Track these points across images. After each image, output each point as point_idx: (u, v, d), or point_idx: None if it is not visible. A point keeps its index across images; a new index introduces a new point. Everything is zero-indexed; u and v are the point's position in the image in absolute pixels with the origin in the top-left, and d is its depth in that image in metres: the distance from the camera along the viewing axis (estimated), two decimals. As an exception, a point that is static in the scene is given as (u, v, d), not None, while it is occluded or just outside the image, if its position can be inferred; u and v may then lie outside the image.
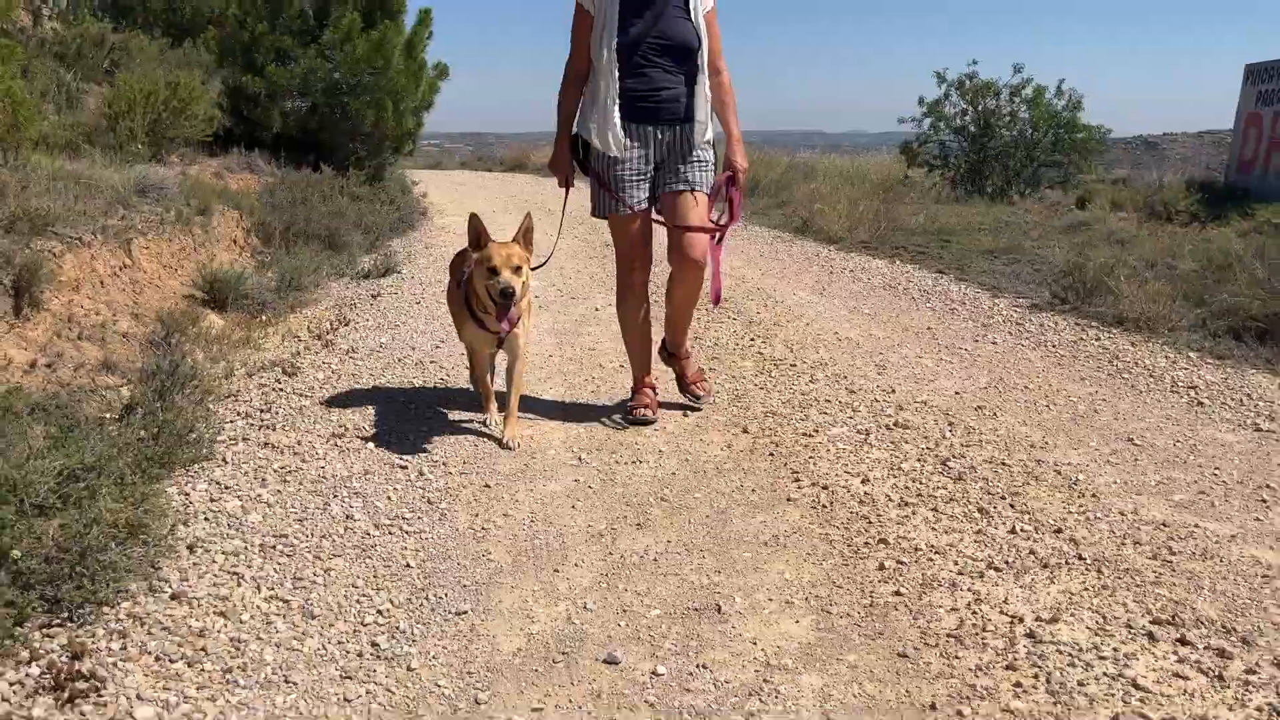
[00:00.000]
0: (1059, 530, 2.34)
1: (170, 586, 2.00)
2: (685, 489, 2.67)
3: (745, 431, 3.16)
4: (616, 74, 3.13)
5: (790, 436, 3.09)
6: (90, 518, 2.00)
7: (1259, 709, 1.62)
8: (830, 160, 15.22)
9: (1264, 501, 2.52)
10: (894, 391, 3.56)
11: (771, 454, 2.94)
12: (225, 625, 1.88)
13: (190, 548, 2.19)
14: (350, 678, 1.75)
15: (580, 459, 2.93)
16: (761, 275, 6.29)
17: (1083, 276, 5.05)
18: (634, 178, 3.24)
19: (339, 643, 1.86)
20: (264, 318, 5.13)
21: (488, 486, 2.69)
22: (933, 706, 1.65)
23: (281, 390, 3.58)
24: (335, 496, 2.56)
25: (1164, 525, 2.37)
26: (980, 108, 12.25)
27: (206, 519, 2.36)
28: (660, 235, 3.23)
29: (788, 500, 2.58)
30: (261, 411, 3.30)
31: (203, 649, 1.80)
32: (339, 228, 7.46)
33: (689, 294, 3.32)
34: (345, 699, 1.69)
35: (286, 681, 1.72)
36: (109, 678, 1.67)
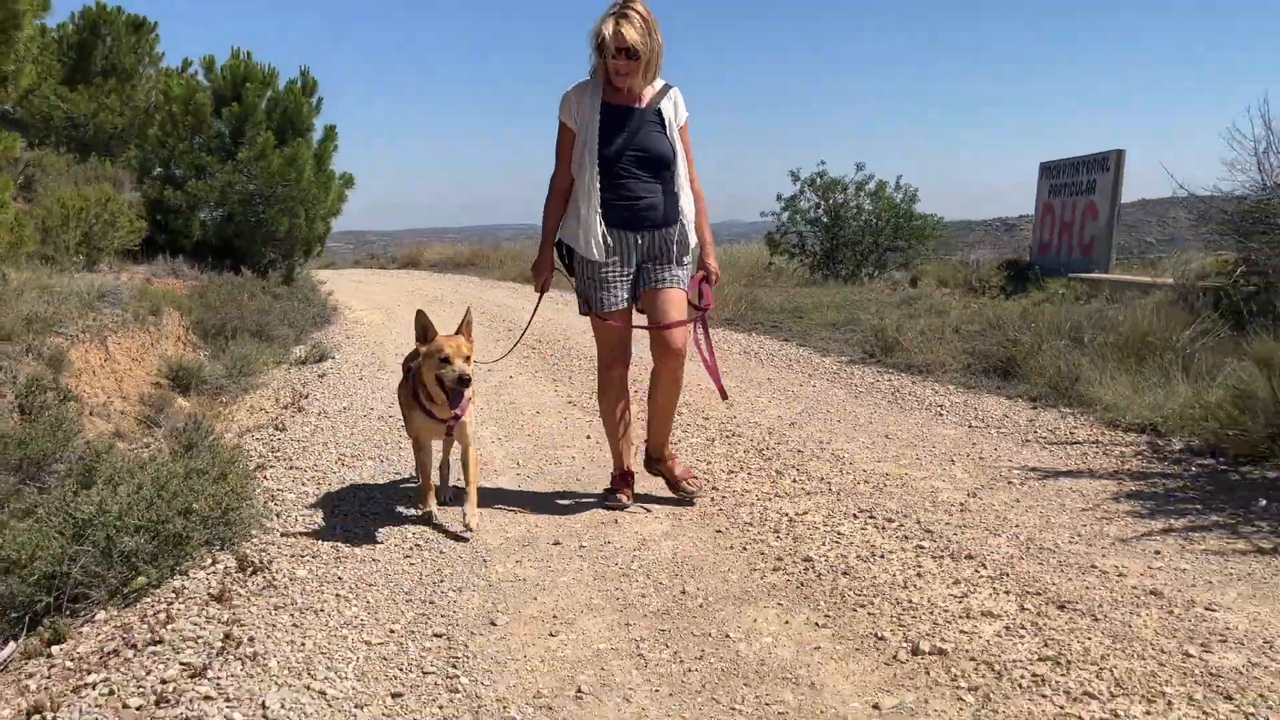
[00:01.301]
0: (821, 479, 3.97)
1: (283, 526, 3.40)
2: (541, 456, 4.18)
3: (634, 446, 4.71)
4: (598, 185, 3.52)
5: (661, 446, 4.66)
6: (225, 491, 3.38)
7: (914, 549, 3.22)
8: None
9: (952, 462, 4.22)
10: (734, 417, 5.20)
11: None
12: (313, 543, 3.28)
13: (278, 515, 3.58)
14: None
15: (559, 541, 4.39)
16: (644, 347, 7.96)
17: (883, 338, 6.90)
18: (615, 280, 3.61)
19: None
20: (223, 399, 6.44)
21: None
22: (731, 548, 3.20)
23: (279, 439, 4.94)
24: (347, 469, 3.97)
25: (888, 475, 4.03)
26: (830, 201, 14.52)
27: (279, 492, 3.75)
28: (640, 337, 3.74)
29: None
30: (273, 451, 4.66)
31: (310, 552, 3.19)
32: (268, 323, 8.79)
33: (671, 390, 3.71)
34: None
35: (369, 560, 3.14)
36: (271, 564, 3.06)
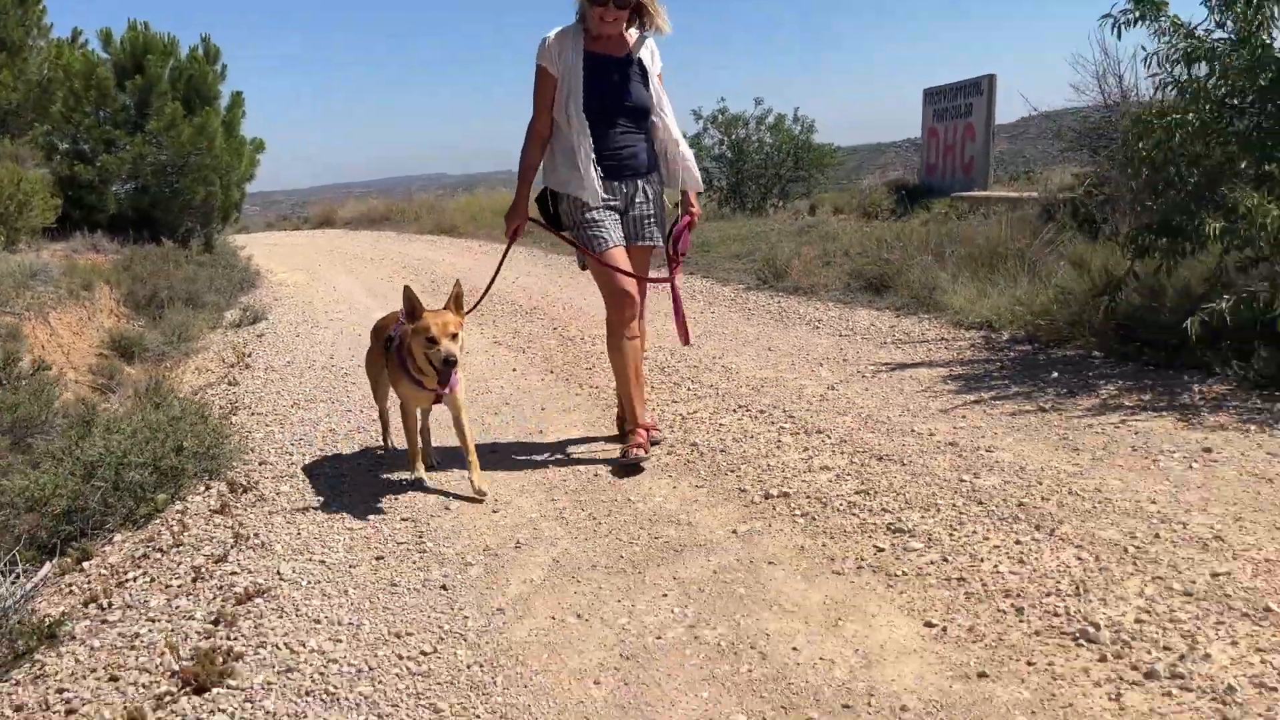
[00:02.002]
0: (711, 386, 4.81)
1: (260, 457, 4.11)
2: (517, 397, 4.96)
3: (552, 372, 5.49)
4: (589, 133, 3.61)
5: (573, 355, 5.45)
6: (208, 431, 4.07)
7: (777, 430, 4.07)
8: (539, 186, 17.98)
9: (820, 365, 5.10)
10: (656, 340, 6.01)
11: (560, 374, 5.29)
12: (289, 467, 4.00)
13: (253, 449, 4.28)
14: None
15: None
16: (560, 290, 8.69)
17: (774, 266, 7.77)
18: (607, 220, 3.71)
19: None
20: (166, 365, 7.01)
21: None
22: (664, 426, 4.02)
23: (234, 392, 5.59)
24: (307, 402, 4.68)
25: (765, 379, 4.89)
26: (733, 137, 15.30)
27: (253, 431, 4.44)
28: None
29: (578, 390, 4.93)
30: (231, 402, 5.31)
31: (288, 474, 3.91)
32: (196, 290, 9.26)
33: (635, 348, 3.78)
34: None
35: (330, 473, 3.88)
36: (258, 484, 3.78)
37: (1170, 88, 4.26)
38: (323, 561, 3.01)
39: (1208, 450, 3.31)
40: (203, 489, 3.79)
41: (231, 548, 3.18)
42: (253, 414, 5.01)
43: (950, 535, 2.83)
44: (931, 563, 2.66)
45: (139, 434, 3.92)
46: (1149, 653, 2.12)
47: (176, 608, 2.77)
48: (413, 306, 3.45)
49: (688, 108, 17.15)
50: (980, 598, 2.45)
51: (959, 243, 7.22)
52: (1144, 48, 4.31)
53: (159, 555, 3.21)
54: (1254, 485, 3.00)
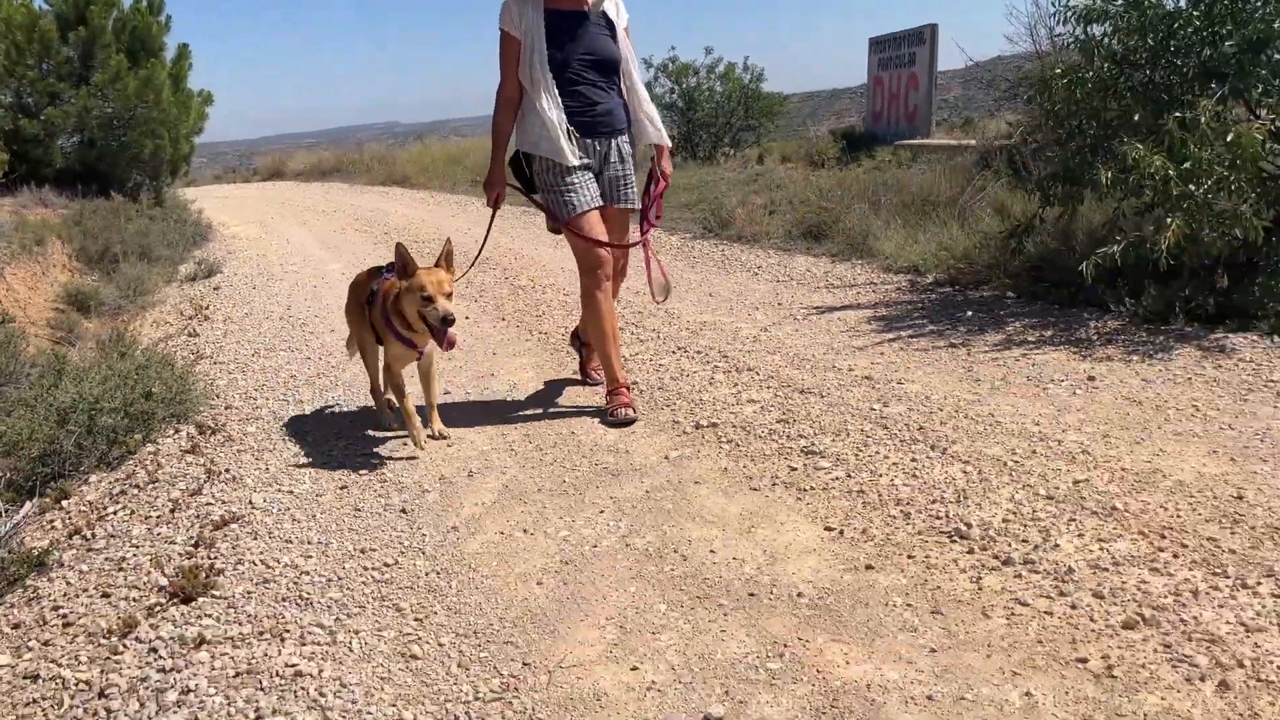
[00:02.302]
0: (653, 330, 5.14)
1: (225, 402, 4.37)
2: (481, 336, 5.25)
3: (503, 319, 5.77)
4: (555, 91, 3.57)
5: (523, 304, 5.74)
6: (175, 378, 4.31)
7: (711, 369, 4.40)
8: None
9: (757, 309, 5.43)
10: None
11: (510, 321, 5.58)
12: (254, 410, 4.26)
13: (218, 395, 4.53)
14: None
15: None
16: (511, 240, 8.92)
17: (719, 215, 8.07)
18: (583, 180, 3.68)
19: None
20: (123, 318, 7.17)
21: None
22: (580, 383, 4.33)
23: (195, 343, 5.80)
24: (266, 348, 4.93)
25: (705, 323, 5.22)
26: (684, 86, 15.46)
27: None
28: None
29: (532, 335, 5.22)
30: (193, 352, 5.53)
31: (253, 416, 4.18)
32: (149, 244, 9.35)
33: (611, 310, 3.84)
34: (332, 421, 4.16)
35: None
36: (225, 426, 4.04)
37: (1073, 45, 4.59)
38: (291, 492, 3.31)
39: (1091, 379, 3.71)
40: (172, 432, 4.04)
41: (205, 482, 3.45)
42: (215, 363, 5.24)
43: (855, 455, 3.19)
44: (836, 478, 3.03)
45: (109, 381, 4.16)
46: (1009, 545, 2.50)
47: (158, 534, 3.06)
48: (405, 263, 3.40)
49: (638, 56, 17.19)
50: (875, 506, 2.82)
51: (894, 191, 7.57)
52: (1053, 4, 4.62)
53: (136, 491, 3.47)
54: (1125, 407, 3.39)
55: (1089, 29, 4.50)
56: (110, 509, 3.36)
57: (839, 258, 6.61)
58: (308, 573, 2.70)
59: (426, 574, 2.66)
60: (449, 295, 3.36)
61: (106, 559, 2.93)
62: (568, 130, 3.62)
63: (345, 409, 4.25)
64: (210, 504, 3.25)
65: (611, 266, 3.81)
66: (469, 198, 13.60)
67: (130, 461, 3.81)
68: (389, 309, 3.51)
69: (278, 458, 3.67)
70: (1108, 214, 4.72)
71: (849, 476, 3.04)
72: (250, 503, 3.23)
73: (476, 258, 4.33)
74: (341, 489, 3.32)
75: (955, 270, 5.61)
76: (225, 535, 2.98)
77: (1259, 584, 2.21)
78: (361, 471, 3.46)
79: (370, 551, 2.80)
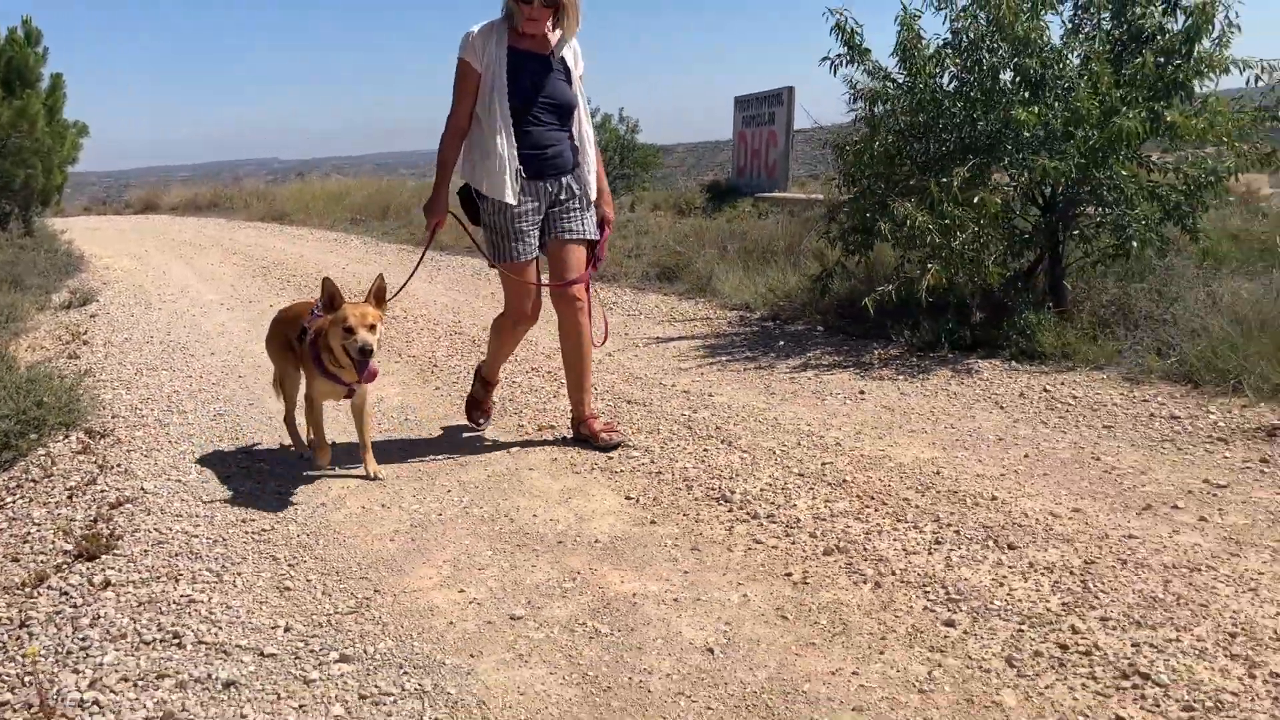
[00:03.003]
0: (512, 356, 5.83)
1: (112, 412, 4.85)
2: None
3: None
4: (512, 131, 3.65)
5: (394, 331, 6.36)
6: (65, 389, 4.78)
7: (559, 384, 5.13)
8: (455, 183, 18.72)
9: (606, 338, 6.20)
10: (460, 323, 6.97)
11: (383, 345, 6.20)
12: (140, 419, 4.76)
13: (103, 406, 5.00)
14: (212, 424, 4.76)
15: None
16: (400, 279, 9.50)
17: (583, 254, 8.87)
18: (528, 228, 3.79)
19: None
20: (-3, 343, 7.45)
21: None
22: (442, 393, 5.00)
23: (76, 365, 6.20)
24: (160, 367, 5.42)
25: (558, 349, 5.95)
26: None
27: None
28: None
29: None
30: (74, 373, 5.94)
31: (139, 423, 4.68)
32: (19, 273, 9.55)
33: (577, 340, 3.98)
34: (214, 428, 4.70)
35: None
36: (114, 431, 4.54)
37: (862, 120, 5.58)
38: (179, 480, 3.86)
39: (861, 392, 4.61)
40: (62, 437, 4.51)
41: (98, 475, 3.97)
42: (98, 380, 5.68)
43: (661, 448, 3.97)
44: (642, 464, 3.79)
45: (2, 389, 4.62)
46: (760, 506, 3.30)
47: (58, 515, 3.58)
48: (331, 297, 3.49)
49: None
50: (667, 482, 3.59)
51: (741, 239, 8.53)
52: (847, 85, 5.61)
53: (32, 484, 3.96)
54: (880, 413, 4.28)
55: (874, 108, 5.50)
56: (9, 499, 3.84)
57: (685, 296, 7.48)
58: (196, 536, 3.28)
59: (298, 535, 3.28)
60: (372, 328, 3.44)
61: (11, 535, 3.43)
62: (516, 171, 3.70)
63: (227, 418, 4.80)
64: (105, 491, 3.78)
65: (535, 316, 4.01)
66: (347, 235, 14.09)
67: (23, 461, 4.27)
68: (319, 343, 3.58)
69: (165, 455, 4.20)
70: (893, 260, 5.70)
71: (652, 463, 3.81)
72: (142, 488, 3.77)
73: (403, 286, 4.29)
74: (225, 478, 3.89)
75: (778, 308, 6.52)
76: (121, 513, 3.53)
77: (925, 526, 3.06)
78: (243, 464, 4.04)
79: (250, 520, 3.41)
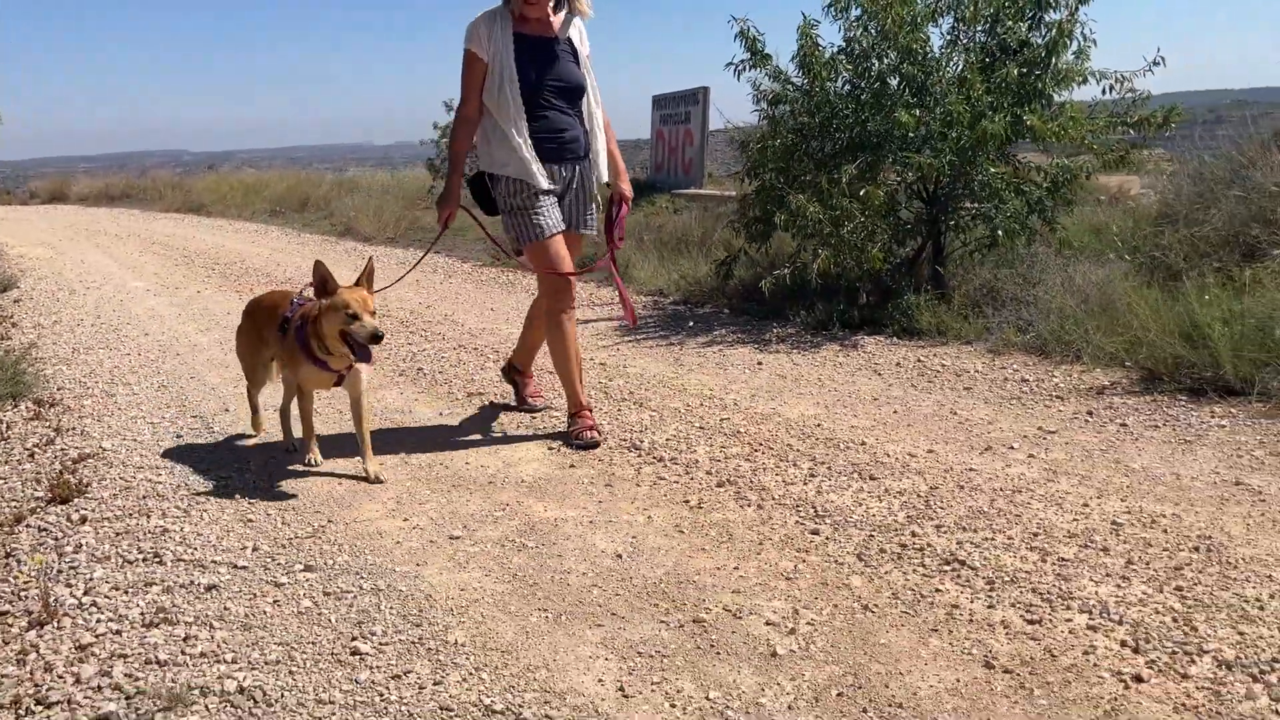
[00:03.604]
0: (440, 334, 6.28)
1: (57, 385, 5.16)
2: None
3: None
4: (524, 116, 3.67)
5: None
6: (11, 363, 5.07)
7: (477, 353, 5.60)
8: (373, 176, 18.89)
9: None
10: (386, 304, 7.37)
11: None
12: (85, 389, 5.08)
13: (47, 380, 5.30)
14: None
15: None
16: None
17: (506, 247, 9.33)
18: (550, 205, 3.80)
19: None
20: (-83, 328, 7.58)
21: (177, 356, 5.99)
22: (385, 371, 5.43)
23: (6, 345, 6.43)
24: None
25: (481, 328, 6.41)
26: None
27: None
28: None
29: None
30: (7, 353, 6.18)
31: (86, 394, 5.00)
32: (-66, 261, 9.59)
33: (574, 333, 3.99)
34: (158, 398, 5.05)
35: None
36: (62, 401, 4.86)
37: (765, 120, 6.18)
38: (135, 439, 4.23)
39: (759, 363, 5.19)
40: (11, 407, 4.81)
41: (55, 437, 4.31)
42: (35, 360, 5.94)
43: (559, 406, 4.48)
44: (563, 422, 4.30)
45: (-49, 364, 4.90)
46: (665, 453, 3.84)
47: (23, 469, 3.92)
48: (324, 280, 3.39)
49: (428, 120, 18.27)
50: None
51: (658, 231, 9.08)
52: (754, 86, 6.20)
53: (-11, 446, 4.28)
54: (774, 380, 4.87)
55: (775, 108, 6.10)
56: (-33, 460, 4.16)
57: (603, 284, 8.01)
58: (161, 483, 3.67)
59: (254, 481, 3.70)
60: (373, 313, 3.39)
61: (-21, 488, 3.77)
62: (533, 155, 3.73)
63: (172, 390, 5.14)
64: (65, 450, 4.13)
65: (573, 291, 3.93)
66: (268, 226, 14.26)
67: (-28, 431, 4.57)
68: (309, 330, 3.49)
69: (116, 420, 4.55)
70: (791, 247, 6.32)
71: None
72: (101, 446, 4.13)
73: (407, 273, 4.95)
74: (178, 437, 4.27)
75: (690, 293, 7.09)
76: (85, 466, 3.89)
77: (802, 465, 3.64)
78: (193, 427, 4.42)
79: (210, 470, 3.82)
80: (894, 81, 5.97)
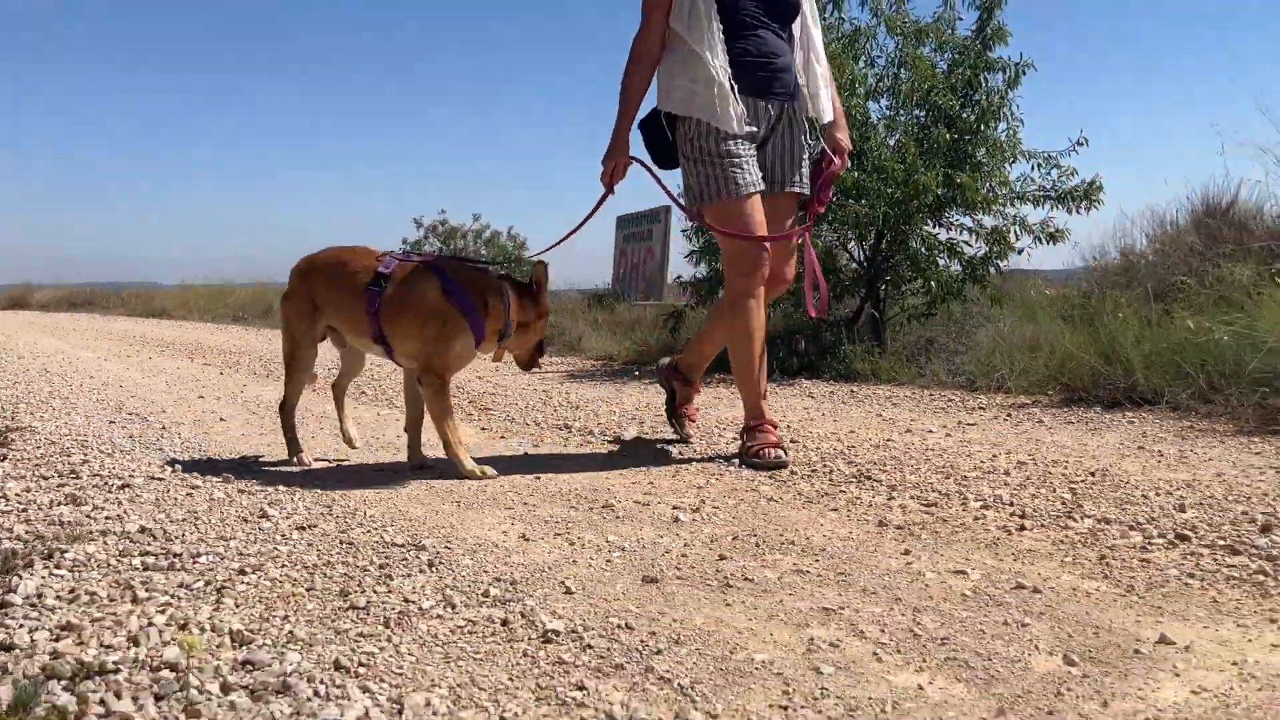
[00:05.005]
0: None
1: (11, 413, 5.19)
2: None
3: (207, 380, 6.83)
4: (721, 39, 2.94)
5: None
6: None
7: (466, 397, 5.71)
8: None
9: (479, 377, 6.83)
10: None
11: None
12: (41, 407, 5.11)
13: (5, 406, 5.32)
14: (95, 406, 5.15)
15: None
16: (271, 347, 9.92)
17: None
18: (748, 155, 3.01)
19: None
20: None
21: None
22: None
23: (-47, 379, 6.44)
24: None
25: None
26: (452, 247, 17.21)
27: None
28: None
29: (274, 383, 6.33)
30: (-46, 382, 6.20)
31: (42, 412, 5.03)
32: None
33: (762, 325, 3.19)
34: (97, 408, 5.09)
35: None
36: (17, 418, 4.89)
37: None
38: (66, 424, 4.26)
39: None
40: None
41: (14, 435, 4.33)
42: (-20, 386, 5.97)
43: (522, 413, 4.59)
44: (510, 418, 4.42)
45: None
46: (590, 432, 3.94)
47: (-51, 438, 3.93)
48: (539, 284, 3.06)
49: (409, 214, 18.85)
50: (521, 425, 4.22)
51: (611, 311, 9.41)
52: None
53: (-82, 430, 4.29)
54: (711, 402, 5.01)
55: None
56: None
57: (562, 354, 8.22)
58: (87, 443, 3.71)
59: (187, 438, 3.75)
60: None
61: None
62: (733, 87, 2.99)
63: (109, 403, 5.19)
64: (18, 450, 4.15)
65: (766, 266, 3.09)
66: (229, 326, 14.41)
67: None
68: (471, 298, 2.93)
69: (51, 416, 4.59)
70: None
71: (516, 417, 4.43)
72: (31, 426, 4.16)
73: (571, 233, 3.54)
74: (110, 422, 4.32)
75: (631, 357, 7.32)
76: (13, 434, 3.92)
77: (725, 435, 3.75)
78: (126, 418, 4.46)
79: (137, 435, 3.85)
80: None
